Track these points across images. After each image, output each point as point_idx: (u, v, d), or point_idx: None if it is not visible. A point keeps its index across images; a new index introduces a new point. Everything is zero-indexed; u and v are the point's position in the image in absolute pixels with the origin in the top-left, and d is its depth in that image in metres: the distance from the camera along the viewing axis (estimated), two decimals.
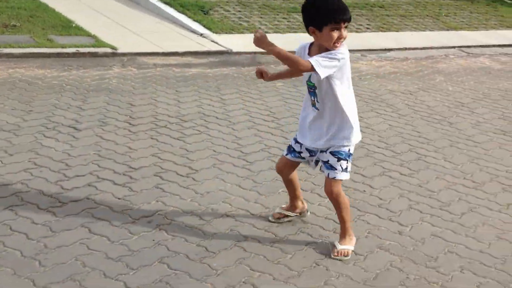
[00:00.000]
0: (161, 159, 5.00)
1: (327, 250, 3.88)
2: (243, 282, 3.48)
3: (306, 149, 3.86)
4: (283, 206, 4.26)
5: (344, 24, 3.46)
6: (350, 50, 3.66)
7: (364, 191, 4.78)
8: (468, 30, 11.19)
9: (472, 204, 4.71)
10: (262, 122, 6.06)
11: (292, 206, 4.20)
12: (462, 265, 3.89)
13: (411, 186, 4.93)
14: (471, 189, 4.97)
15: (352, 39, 9.51)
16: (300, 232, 4.07)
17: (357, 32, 10.13)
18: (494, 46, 10.50)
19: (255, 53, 8.66)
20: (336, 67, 3.50)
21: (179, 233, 3.92)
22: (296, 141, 3.91)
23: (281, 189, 4.57)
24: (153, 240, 3.81)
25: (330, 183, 3.77)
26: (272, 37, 9.73)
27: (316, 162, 3.87)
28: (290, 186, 4.12)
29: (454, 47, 10.12)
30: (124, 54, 7.97)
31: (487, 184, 5.09)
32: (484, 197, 4.86)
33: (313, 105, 3.74)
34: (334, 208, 3.90)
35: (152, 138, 5.41)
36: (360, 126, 3.86)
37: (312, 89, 3.70)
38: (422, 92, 7.51)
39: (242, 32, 9.64)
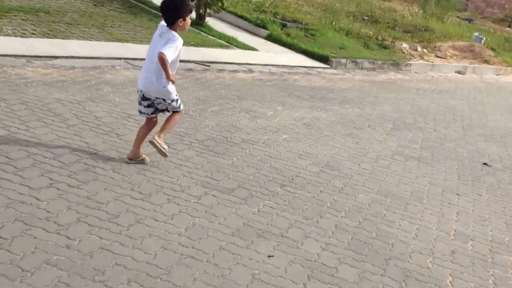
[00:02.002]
0: None
1: None
2: None
3: None
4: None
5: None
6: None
7: (31, 204, 4.54)
8: (133, 42, 11.52)
9: (140, 216, 4.85)
10: None
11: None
12: (129, 277, 3.97)
13: (80, 198, 4.87)
14: (139, 200, 5.12)
15: (17, 44, 9.02)
16: None
17: (22, 37, 9.61)
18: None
19: None
20: None
21: None
22: None
23: None
24: None
25: None
26: None
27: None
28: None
29: (120, 58, 10.31)
30: None
31: (153, 195, 5.30)
32: (151, 208, 5.04)
33: None
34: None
35: None
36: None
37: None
38: (90, 102, 7.47)
39: None
